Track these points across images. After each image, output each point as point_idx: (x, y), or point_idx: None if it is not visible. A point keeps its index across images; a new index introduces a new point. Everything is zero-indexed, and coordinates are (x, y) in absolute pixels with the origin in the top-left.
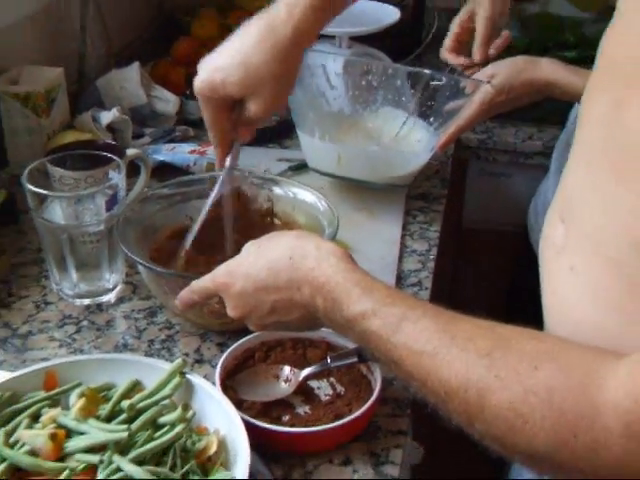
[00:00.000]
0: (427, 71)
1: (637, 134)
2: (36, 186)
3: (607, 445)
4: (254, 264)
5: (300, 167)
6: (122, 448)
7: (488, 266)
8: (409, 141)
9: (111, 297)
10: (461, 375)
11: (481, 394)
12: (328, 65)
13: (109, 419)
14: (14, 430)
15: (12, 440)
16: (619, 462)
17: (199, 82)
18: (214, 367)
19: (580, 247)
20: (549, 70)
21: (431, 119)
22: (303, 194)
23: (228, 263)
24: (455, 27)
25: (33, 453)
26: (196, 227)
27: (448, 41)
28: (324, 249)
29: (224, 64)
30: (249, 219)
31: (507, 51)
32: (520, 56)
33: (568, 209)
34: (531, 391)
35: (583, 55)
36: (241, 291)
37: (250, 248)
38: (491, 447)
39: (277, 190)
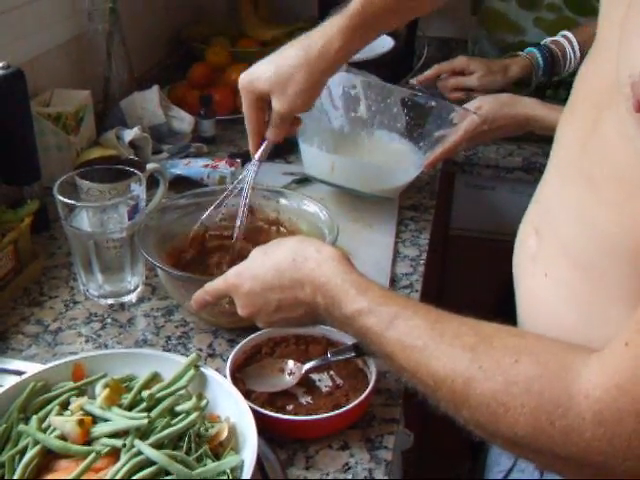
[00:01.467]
0: (421, 100)
1: (609, 151)
2: (66, 197)
3: (580, 431)
4: (261, 266)
5: (303, 180)
6: (142, 434)
7: (472, 269)
8: (398, 159)
9: (132, 297)
10: (448, 367)
11: (466, 383)
12: (332, 87)
13: (131, 407)
14: (46, 416)
15: (44, 425)
16: (590, 447)
17: (243, 76)
18: (225, 361)
19: (554, 255)
20: (530, 107)
21: (421, 143)
22: (306, 205)
23: (238, 266)
24: (443, 69)
25: (63, 437)
26: (242, 218)
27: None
28: (324, 252)
29: (263, 65)
30: (258, 227)
31: None
32: (505, 93)
33: (543, 220)
34: (512, 382)
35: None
36: (249, 291)
37: (257, 252)
38: (475, 432)
39: (283, 201)
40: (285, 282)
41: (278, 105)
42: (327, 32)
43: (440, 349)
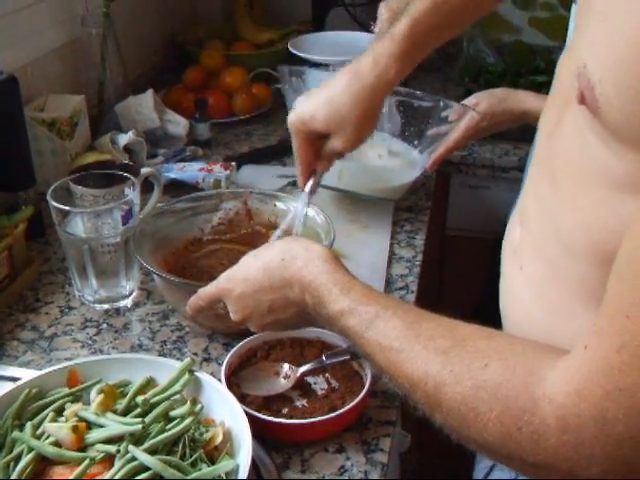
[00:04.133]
0: (416, 100)
1: (568, 146)
2: (60, 203)
3: (545, 437)
4: (251, 268)
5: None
6: (137, 439)
7: (468, 270)
8: (398, 159)
9: (128, 302)
10: (422, 370)
11: (437, 388)
12: None
13: (125, 413)
14: (40, 423)
15: (39, 432)
16: (556, 454)
17: (293, 116)
18: (220, 365)
19: (528, 249)
20: (526, 100)
21: (415, 142)
22: (302, 209)
23: (229, 270)
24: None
25: (57, 444)
26: (278, 233)
27: None
28: (312, 251)
29: (314, 103)
30: (256, 231)
31: (485, 76)
32: (499, 88)
33: (524, 215)
34: (481, 387)
35: (553, 79)
36: (241, 294)
37: (248, 256)
38: (451, 436)
39: (280, 205)
40: (275, 282)
41: (339, 144)
42: (379, 61)
43: (415, 351)
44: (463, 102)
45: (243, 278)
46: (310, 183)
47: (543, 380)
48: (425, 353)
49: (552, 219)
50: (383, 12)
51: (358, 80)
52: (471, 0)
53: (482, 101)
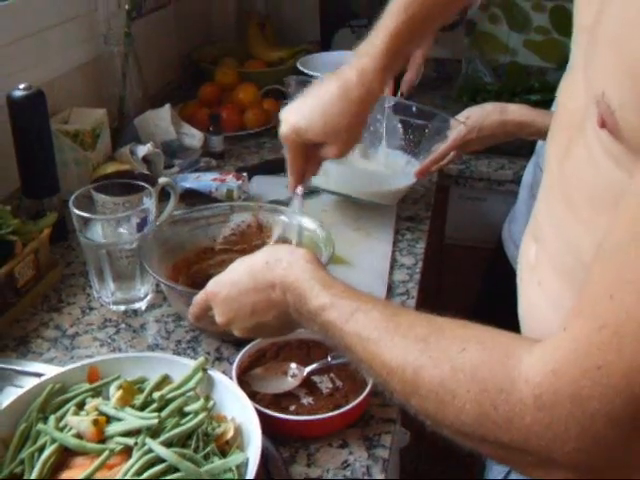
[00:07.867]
0: (419, 120)
1: (582, 172)
2: (82, 210)
3: (521, 415)
4: (236, 272)
5: (307, 193)
6: (153, 433)
7: (465, 277)
8: (395, 169)
9: (143, 304)
10: (400, 357)
11: (416, 372)
12: None
13: (142, 408)
14: (63, 416)
15: (61, 425)
16: (531, 432)
17: (287, 128)
18: (231, 364)
19: (545, 265)
20: (518, 113)
21: (420, 157)
22: (306, 222)
23: (217, 276)
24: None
25: (78, 436)
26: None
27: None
28: (296, 253)
29: (308, 115)
30: (265, 244)
31: (482, 95)
32: (490, 102)
33: (539, 231)
34: (459, 369)
35: (546, 98)
36: (226, 297)
37: (236, 262)
38: (425, 422)
39: (284, 219)
40: (259, 284)
41: (334, 151)
42: (365, 76)
43: (394, 341)
44: (457, 117)
45: (229, 282)
46: (301, 186)
47: (519, 362)
48: (404, 342)
49: (569, 238)
50: None
51: (347, 93)
52: (437, 7)
53: (472, 115)
